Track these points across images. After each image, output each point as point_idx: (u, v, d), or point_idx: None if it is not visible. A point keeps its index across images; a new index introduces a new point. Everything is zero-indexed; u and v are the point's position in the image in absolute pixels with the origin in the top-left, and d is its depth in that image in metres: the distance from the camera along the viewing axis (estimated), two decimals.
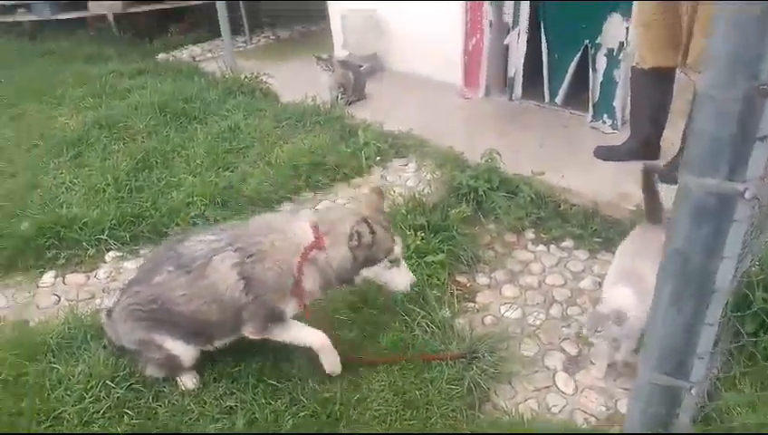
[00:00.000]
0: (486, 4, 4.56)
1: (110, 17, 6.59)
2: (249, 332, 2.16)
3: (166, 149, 3.91)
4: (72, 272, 2.94)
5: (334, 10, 5.72)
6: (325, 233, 2.11)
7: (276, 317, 2.14)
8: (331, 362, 2.23)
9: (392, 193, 3.37)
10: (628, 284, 2.21)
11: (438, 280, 2.76)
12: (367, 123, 4.28)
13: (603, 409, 2.20)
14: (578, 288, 2.81)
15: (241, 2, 6.61)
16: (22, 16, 6.69)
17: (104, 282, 2.88)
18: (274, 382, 2.19)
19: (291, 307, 2.14)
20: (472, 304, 2.71)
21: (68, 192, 3.47)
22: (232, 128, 4.18)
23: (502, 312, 2.67)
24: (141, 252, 3.06)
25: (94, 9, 6.57)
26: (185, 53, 6.54)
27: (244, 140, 4.05)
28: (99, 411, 2.06)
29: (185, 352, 2.15)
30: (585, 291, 2.79)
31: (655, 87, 3.50)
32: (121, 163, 3.66)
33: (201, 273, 2.05)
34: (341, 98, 4.78)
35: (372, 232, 2.06)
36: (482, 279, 2.88)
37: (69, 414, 2.05)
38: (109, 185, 3.43)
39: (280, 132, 4.20)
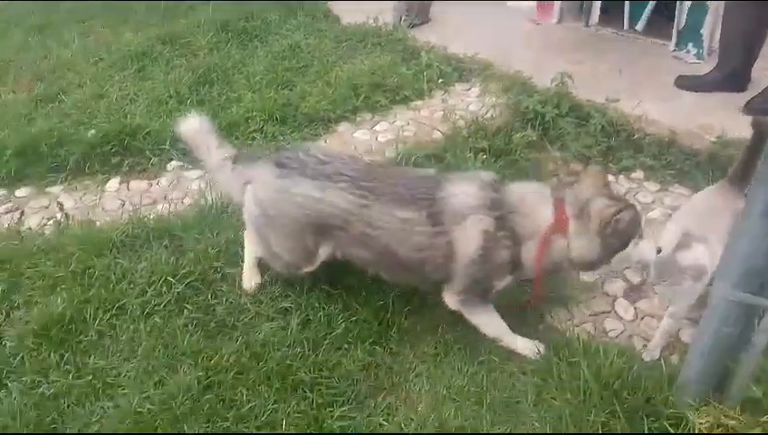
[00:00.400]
0: None
1: None
2: (449, 296, 2.00)
3: (226, 65, 3.89)
4: (135, 179, 3.02)
5: None
6: (573, 215, 1.85)
7: (484, 294, 1.97)
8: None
9: (454, 116, 3.24)
10: (702, 240, 1.89)
11: None
12: (430, 46, 4.09)
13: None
14: (647, 219, 2.65)
15: None
16: None
17: (167, 189, 2.94)
18: (329, 288, 2.20)
19: (502, 285, 1.96)
20: None
21: (132, 103, 3.53)
22: (292, 47, 4.10)
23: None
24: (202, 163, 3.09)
25: None
26: None
27: (304, 59, 3.97)
28: (160, 305, 2.13)
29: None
30: (654, 222, 2.62)
31: (751, 10, 3.14)
32: (183, 77, 3.67)
33: (450, 228, 1.86)
34: (405, 20, 4.57)
35: (634, 219, 1.82)
36: None
37: (132, 305, 2.13)
38: (171, 97, 3.47)
39: (340, 53, 4.09)
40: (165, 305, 2.13)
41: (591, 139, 3.06)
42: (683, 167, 2.89)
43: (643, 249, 1.92)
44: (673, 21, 3.87)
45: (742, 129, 2.96)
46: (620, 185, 2.88)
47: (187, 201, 2.85)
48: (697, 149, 2.93)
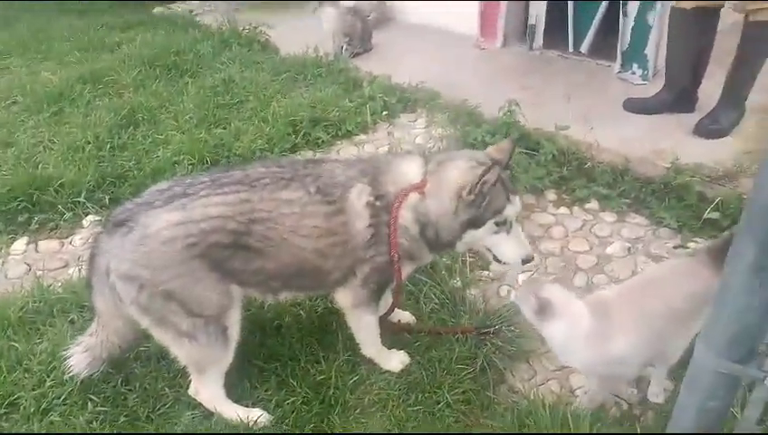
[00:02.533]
0: None
1: None
2: (343, 293, 1.82)
3: (153, 104, 3.60)
4: (45, 238, 2.68)
5: None
6: (430, 173, 1.70)
7: (380, 288, 1.81)
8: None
9: (400, 149, 3.04)
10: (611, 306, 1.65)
11: None
12: (373, 76, 3.91)
13: (635, 391, 1.91)
14: (605, 254, 2.49)
15: None
16: None
17: (80, 249, 2.61)
18: (261, 363, 1.93)
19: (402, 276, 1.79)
20: (485, 273, 2.41)
21: (45, 151, 3.19)
22: (226, 81, 3.86)
23: (519, 281, 2.37)
24: None
25: None
26: (182, 7, 6.15)
27: (239, 95, 3.72)
28: (60, 397, 1.80)
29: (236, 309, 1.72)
30: (613, 258, 2.47)
31: (697, 30, 3.09)
32: (104, 119, 3.36)
33: (342, 205, 1.68)
34: (346, 49, 4.40)
35: (494, 183, 1.63)
36: None
37: (26, 400, 1.80)
38: (89, 143, 3.15)
39: (278, 86, 3.86)
40: (66, 398, 1.80)
41: (542, 169, 2.91)
42: (638, 195, 2.76)
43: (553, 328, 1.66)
44: (617, 42, 3.82)
45: (694, 152, 2.90)
46: (576, 217, 2.73)
47: None
48: (651, 176, 2.81)
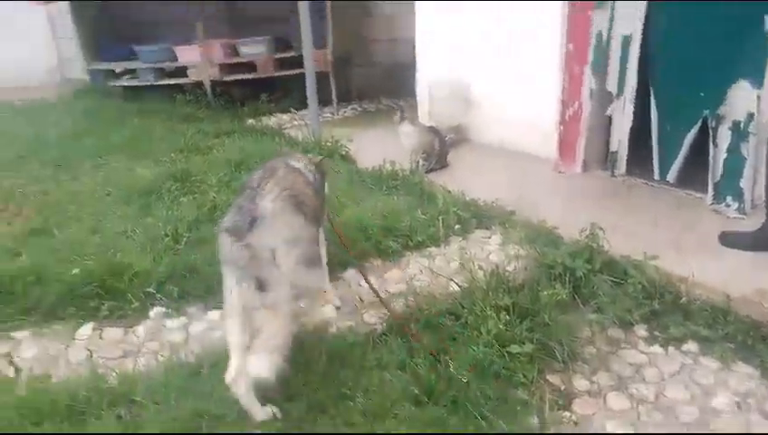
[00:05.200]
0: (588, 70, 4.18)
1: (207, 84, 6.84)
2: None
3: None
4: (111, 326, 2.67)
5: (422, 79, 5.57)
6: None
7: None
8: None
9: (472, 266, 2.91)
10: None
11: (525, 378, 2.22)
12: (447, 190, 3.90)
13: None
14: (710, 408, 2.15)
15: (331, 76, 6.67)
16: (128, 81, 7.11)
17: (143, 339, 2.57)
18: None
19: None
20: (567, 414, 2.13)
21: (126, 240, 3.30)
22: None
23: (607, 429, 2.06)
24: (188, 311, 2.76)
25: (193, 75, 6.87)
26: (273, 120, 6.61)
27: None
28: None
29: None
30: (721, 414, 2.12)
31: None
32: (186, 215, 3.48)
33: None
34: (422, 164, 4.47)
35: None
36: (580, 382, 2.29)
37: None
38: (167, 235, 3.23)
39: (352, 194, 3.91)
40: None
41: (631, 301, 2.67)
42: (745, 340, 2.43)
43: None
44: (708, 171, 3.65)
45: None
46: (671, 358, 2.42)
47: (163, 356, 2.45)
48: (758, 320, 2.50)
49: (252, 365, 1.84)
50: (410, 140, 4.45)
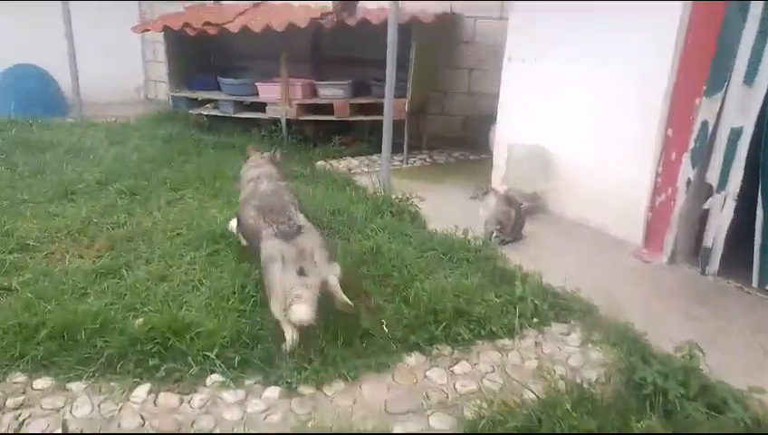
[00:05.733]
0: (686, 159, 3.89)
1: (283, 121, 6.92)
2: None
3: None
4: (168, 390, 2.57)
5: (500, 141, 5.40)
6: None
7: None
8: None
9: (551, 374, 2.67)
10: None
11: None
12: (524, 271, 3.68)
13: None
14: None
15: (406, 125, 6.61)
16: (208, 111, 7.30)
17: (196, 412, 2.46)
18: None
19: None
20: None
21: (193, 292, 3.24)
22: (374, 250, 3.82)
23: None
24: (246, 383, 2.64)
25: (271, 112, 6.96)
26: (342, 164, 6.59)
27: (384, 267, 3.63)
28: None
29: None
30: None
31: None
32: (254, 270, 3.40)
33: None
34: (496, 236, 4.27)
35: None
36: None
37: None
38: (234, 293, 3.15)
39: (423, 264, 3.75)
40: None
41: None
42: None
43: None
44: None
45: None
46: None
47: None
48: None
49: (298, 312, 2.65)
50: (487, 210, 4.27)
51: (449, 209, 4.86)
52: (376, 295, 3.30)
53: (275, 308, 2.73)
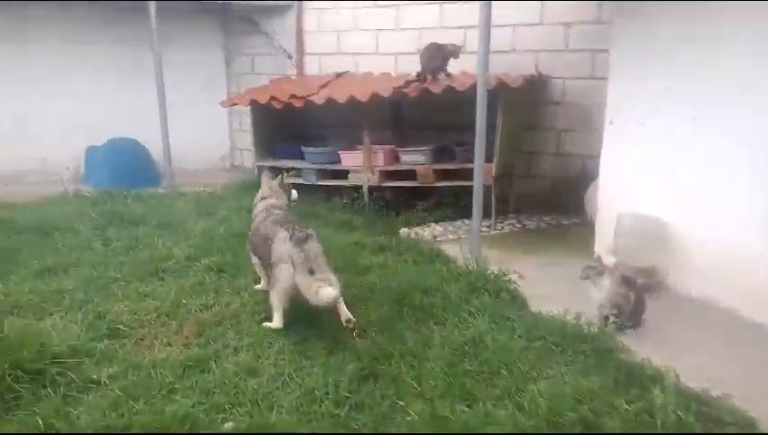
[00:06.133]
0: None
1: (365, 188, 6.79)
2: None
3: (395, 352, 3.30)
4: None
5: (605, 210, 4.94)
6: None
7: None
8: None
9: None
10: None
11: None
12: (654, 367, 3.16)
13: None
14: None
15: (493, 189, 6.29)
16: (292, 179, 7.31)
17: None
18: None
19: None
20: None
21: (283, 388, 2.98)
22: (475, 340, 3.44)
23: None
24: None
25: (353, 180, 6.87)
26: (426, 231, 6.32)
27: (489, 362, 3.23)
28: None
29: None
30: None
31: None
32: (348, 364, 3.11)
33: None
34: (613, 322, 3.77)
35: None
36: None
37: None
38: (327, 394, 2.86)
39: (532, 357, 3.32)
40: None
41: None
42: None
43: None
44: None
45: None
46: None
47: None
48: None
49: (326, 295, 3.31)
50: (602, 292, 3.80)
51: (552, 287, 4.42)
52: (484, 399, 2.90)
53: (274, 298, 3.59)
